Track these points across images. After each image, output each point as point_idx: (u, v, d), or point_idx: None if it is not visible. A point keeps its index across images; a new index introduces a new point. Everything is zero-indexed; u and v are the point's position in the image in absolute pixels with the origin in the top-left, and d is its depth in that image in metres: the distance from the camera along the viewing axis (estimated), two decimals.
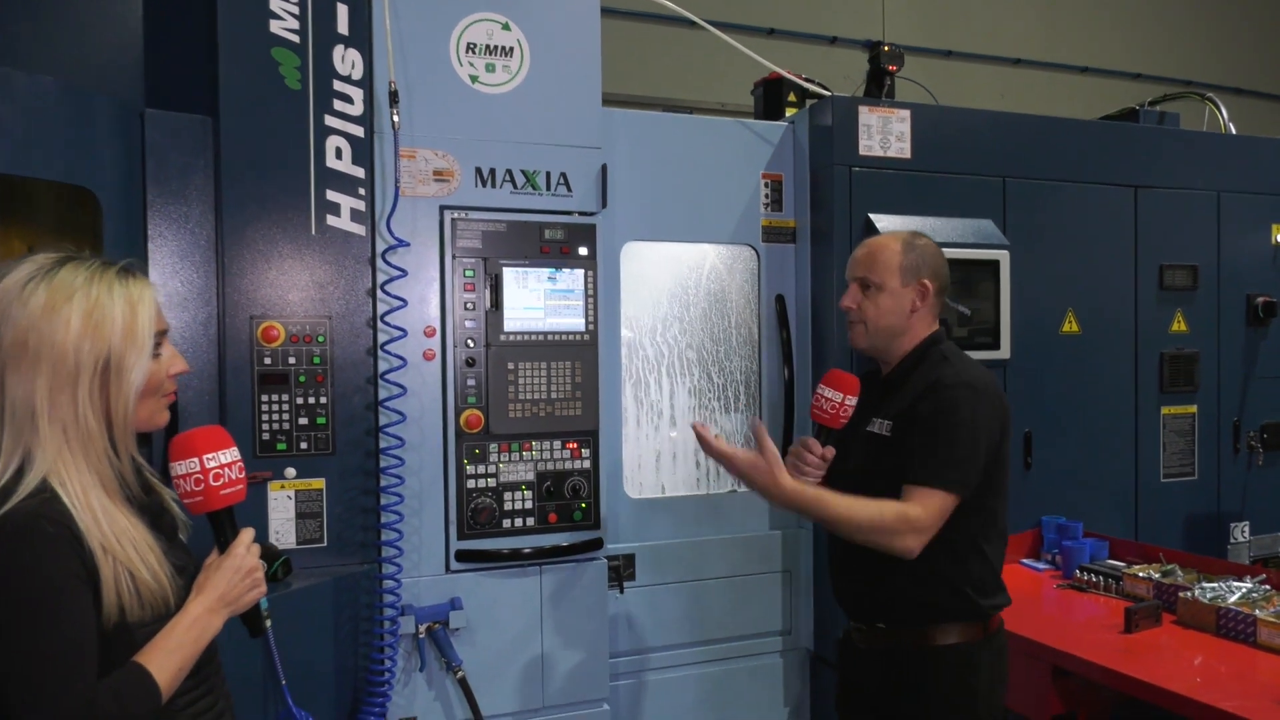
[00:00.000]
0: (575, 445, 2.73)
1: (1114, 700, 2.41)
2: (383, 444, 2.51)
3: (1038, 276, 3.28)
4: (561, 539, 2.70)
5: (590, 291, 2.75)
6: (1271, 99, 8.49)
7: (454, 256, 2.60)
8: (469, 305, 2.62)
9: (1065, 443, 3.32)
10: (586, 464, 2.74)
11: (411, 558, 2.56)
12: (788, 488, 1.89)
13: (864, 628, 2.10)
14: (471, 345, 2.62)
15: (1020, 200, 3.27)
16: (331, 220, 2.46)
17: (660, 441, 3.11)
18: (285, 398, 2.42)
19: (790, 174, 3.21)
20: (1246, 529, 3.63)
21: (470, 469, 2.62)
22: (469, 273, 2.62)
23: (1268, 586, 2.57)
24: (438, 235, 2.60)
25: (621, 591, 2.88)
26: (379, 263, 2.51)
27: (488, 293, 2.64)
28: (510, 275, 2.66)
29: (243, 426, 2.35)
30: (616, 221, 2.95)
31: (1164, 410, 3.51)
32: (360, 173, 2.48)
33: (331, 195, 2.46)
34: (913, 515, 1.86)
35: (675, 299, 3.13)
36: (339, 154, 2.46)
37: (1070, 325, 3.37)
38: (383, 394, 2.51)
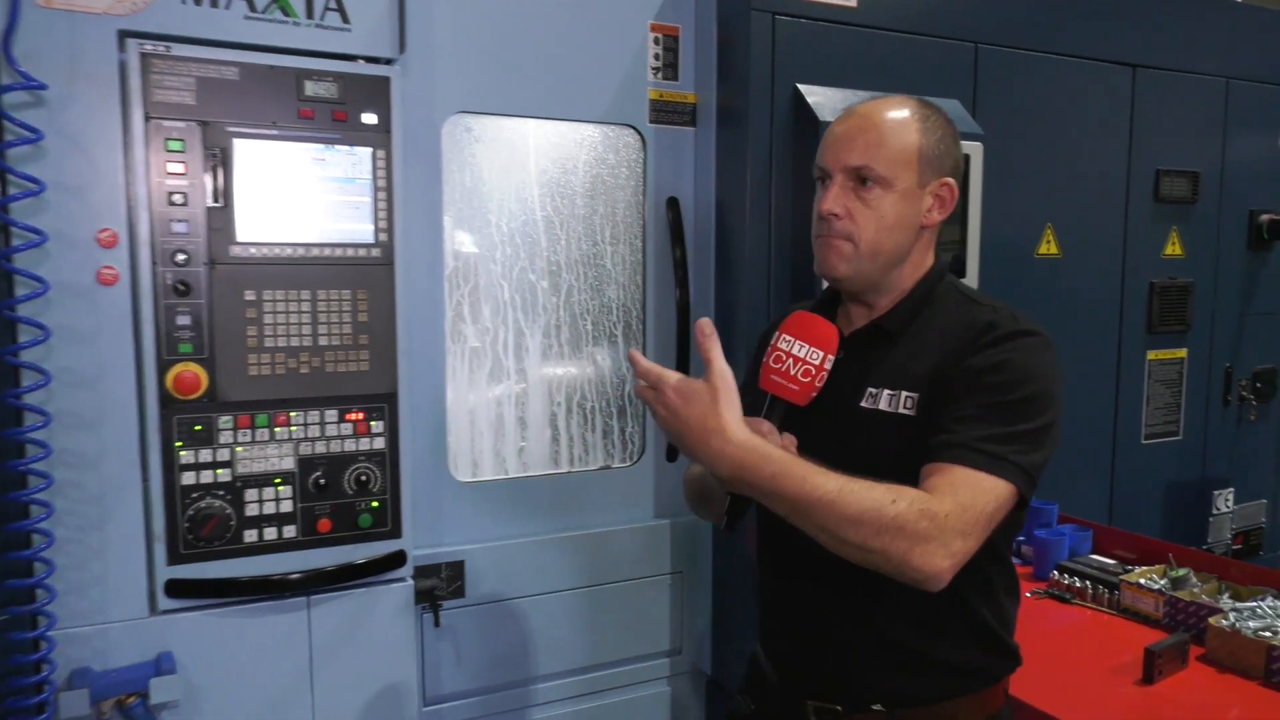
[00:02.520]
0: (361, 416, 1.81)
1: None
2: (26, 422, 1.54)
3: (1012, 180, 2.48)
4: (340, 555, 1.81)
5: (382, 183, 1.80)
6: None
7: (148, 117, 1.61)
8: (176, 197, 1.64)
9: None
10: (380, 443, 1.84)
11: (89, 596, 1.63)
12: (739, 438, 1.11)
13: (830, 710, 1.30)
14: (183, 262, 1.65)
15: (995, 76, 2.44)
16: None
17: (504, 401, 2.22)
18: None
19: (690, 27, 2.29)
20: (1231, 497, 3.00)
21: (186, 456, 1.68)
22: (174, 144, 1.63)
23: None
24: (116, 79, 1.59)
25: (437, 623, 2.01)
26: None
27: (209, 179, 1.66)
28: (248, 152, 1.69)
29: None
30: (436, 81, 1.99)
31: (1150, 355, 2.80)
32: None
33: None
34: (945, 511, 1.11)
35: (525, 200, 2.20)
36: None
37: (1048, 246, 2.59)
38: (25, 336, 1.54)
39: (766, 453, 1.12)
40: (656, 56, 2.26)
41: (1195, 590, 1.99)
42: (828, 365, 1.25)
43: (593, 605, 2.26)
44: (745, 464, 1.11)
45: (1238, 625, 1.82)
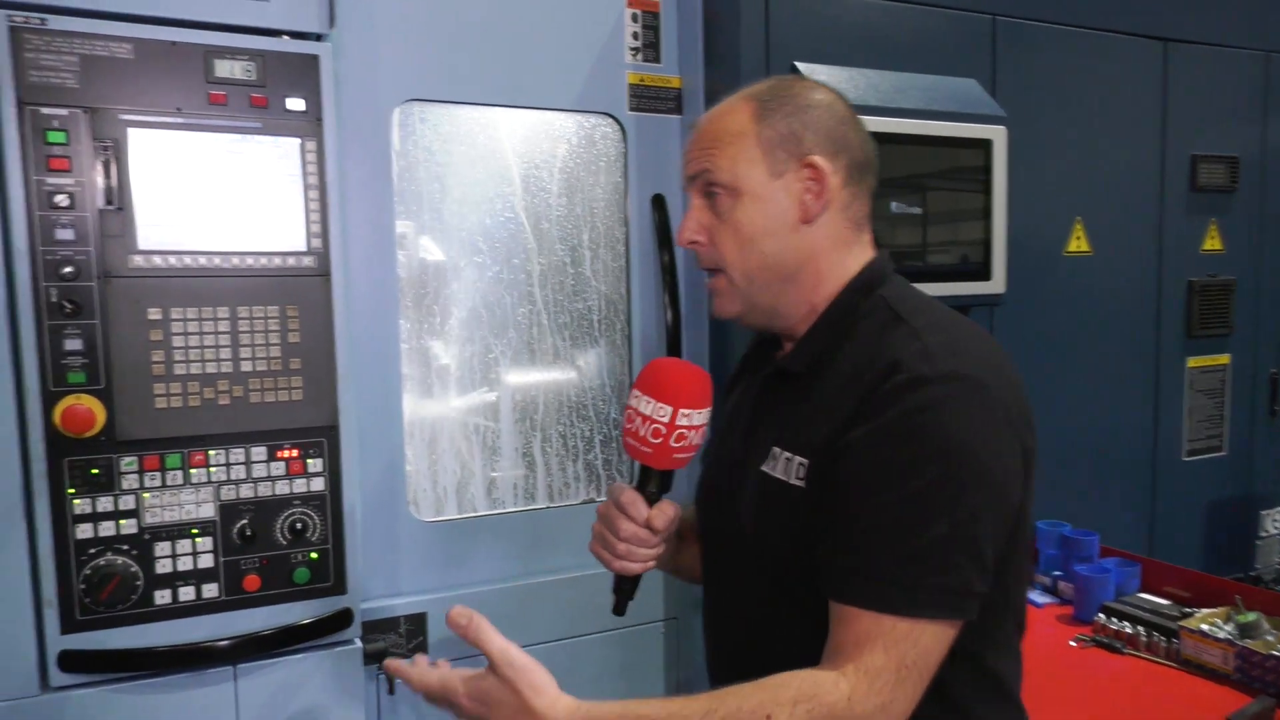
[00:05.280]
0: (295, 453, 1.55)
1: None
2: None
3: (1037, 168, 2.22)
4: (273, 616, 1.54)
5: (314, 180, 1.54)
6: None
7: (21, 103, 1.35)
8: (60, 199, 1.38)
9: (1067, 412, 2.30)
10: (318, 484, 1.57)
11: None
12: (562, 714, 0.94)
13: None
14: (70, 275, 1.38)
15: (1016, 52, 2.19)
16: None
17: (471, 429, 1.95)
18: None
19: (673, 1, 2.03)
20: None
21: (81, 505, 1.41)
22: (56, 136, 1.37)
23: None
24: None
25: (391, 689, 1.73)
26: None
27: (100, 177, 1.40)
28: (147, 144, 1.42)
29: None
30: (381, 64, 1.73)
31: (1190, 362, 2.54)
32: None
33: None
34: (844, 696, 0.90)
35: (492, 200, 1.94)
36: None
37: (1079, 242, 2.33)
38: None
39: (602, 716, 0.93)
40: (635, 35, 2.01)
41: (1270, 639, 1.72)
42: (687, 421, 1.04)
43: (576, 659, 1.98)
44: None
45: None
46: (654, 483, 1.08)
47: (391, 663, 1.05)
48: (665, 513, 1.08)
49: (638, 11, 2.00)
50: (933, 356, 0.95)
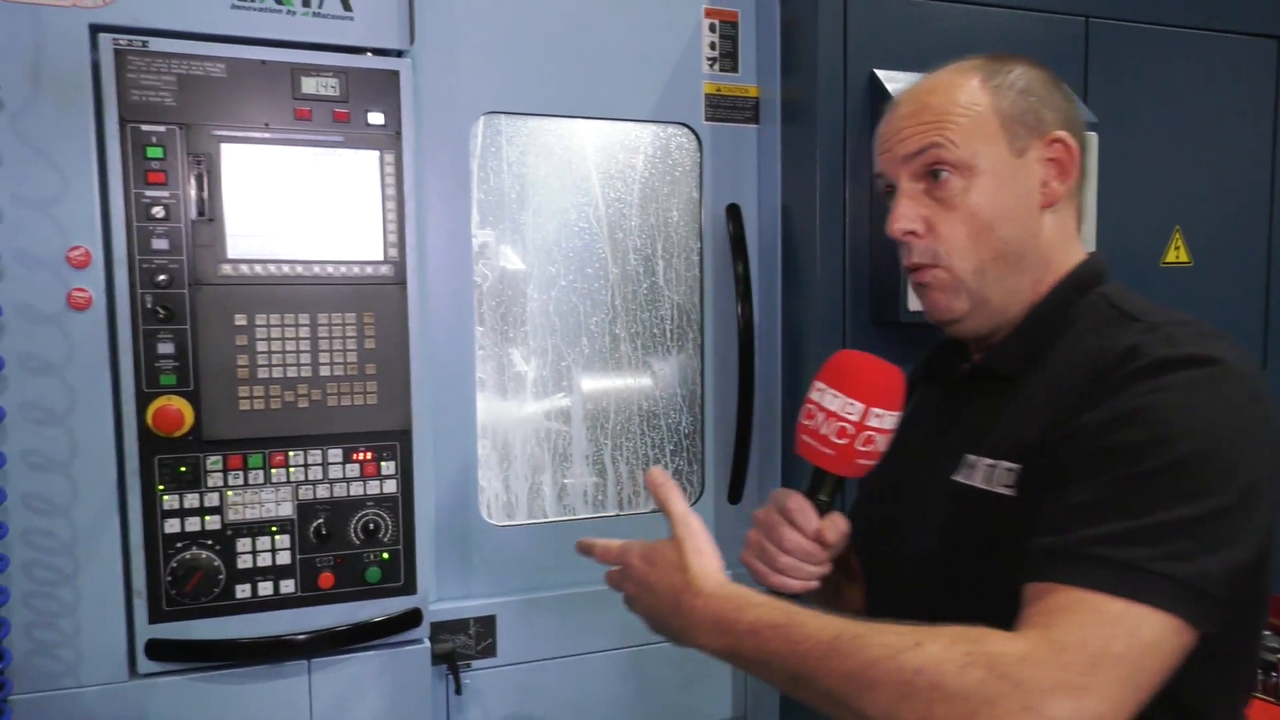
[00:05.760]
0: (369, 456, 1.60)
1: None
2: None
3: (1133, 176, 2.12)
4: (345, 613, 1.59)
5: (392, 191, 1.59)
6: None
7: (123, 120, 1.43)
8: (157, 211, 1.46)
9: None
10: (391, 486, 1.61)
11: (60, 657, 1.45)
12: (709, 586, 0.86)
13: None
14: (164, 283, 1.46)
15: (1109, 55, 2.10)
16: None
17: (543, 435, 1.98)
18: None
19: (751, 10, 2.02)
20: None
21: (170, 501, 1.49)
22: (154, 151, 1.45)
23: None
24: (89, 79, 1.42)
25: (459, 689, 1.76)
26: None
27: (192, 189, 1.47)
28: (237, 158, 1.49)
29: None
30: (460, 79, 1.77)
31: None
32: None
33: None
34: (1019, 654, 0.69)
35: (567, 210, 1.96)
36: None
37: (1177, 252, 2.22)
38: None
39: (746, 600, 0.84)
40: (713, 46, 2.00)
41: None
42: (878, 423, 0.92)
43: (644, 667, 1.98)
44: (721, 617, 0.84)
45: None
46: (827, 489, 0.96)
47: (584, 540, 1.05)
48: (838, 525, 0.95)
49: (716, 21, 2.00)
50: (1177, 341, 0.82)
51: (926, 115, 0.95)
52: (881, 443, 0.94)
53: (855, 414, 0.92)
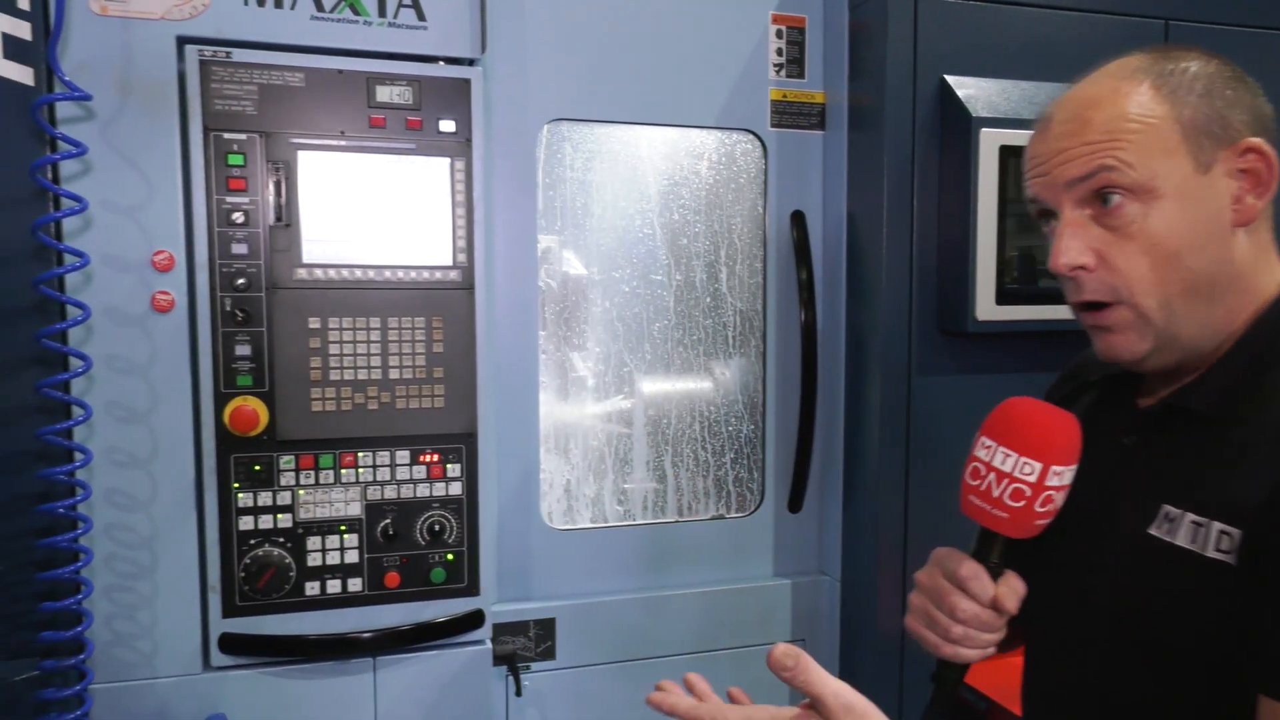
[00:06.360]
0: (435, 458, 1.62)
1: None
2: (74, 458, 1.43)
3: None
4: (409, 613, 1.62)
5: (461, 198, 1.61)
6: None
7: (207, 129, 1.48)
8: (237, 216, 1.50)
9: None
10: (456, 488, 1.64)
11: (138, 648, 1.50)
12: None
13: None
14: (243, 287, 1.50)
15: None
16: None
17: (604, 440, 1.99)
18: None
19: (818, 16, 2.01)
20: None
21: (244, 498, 1.53)
22: (235, 158, 1.49)
23: None
24: (175, 89, 1.47)
25: (519, 691, 1.78)
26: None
27: (271, 195, 1.51)
28: (314, 165, 1.53)
29: None
30: (528, 86, 1.79)
31: None
32: None
33: None
34: None
35: (630, 216, 1.97)
36: None
37: None
38: (74, 366, 1.42)
39: None
40: (779, 51, 1.99)
41: None
42: (1058, 480, 0.83)
43: (701, 674, 1.98)
44: None
45: None
46: (998, 552, 0.88)
47: (660, 698, 0.86)
48: (1016, 590, 0.86)
49: (783, 27, 1.99)
50: None
51: (1092, 133, 0.83)
52: (1060, 499, 0.85)
53: (1033, 474, 0.83)
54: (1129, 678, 0.85)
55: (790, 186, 2.01)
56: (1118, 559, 0.86)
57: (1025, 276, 1.85)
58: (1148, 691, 0.84)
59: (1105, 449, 0.91)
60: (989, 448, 0.85)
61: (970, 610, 0.86)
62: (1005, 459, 0.84)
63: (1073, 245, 0.84)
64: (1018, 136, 1.80)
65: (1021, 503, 0.83)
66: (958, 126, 1.80)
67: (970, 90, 1.83)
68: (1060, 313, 1.86)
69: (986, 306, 1.81)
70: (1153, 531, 0.83)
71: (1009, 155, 1.80)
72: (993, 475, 0.84)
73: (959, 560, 0.87)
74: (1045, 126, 0.89)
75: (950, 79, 1.84)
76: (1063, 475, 0.84)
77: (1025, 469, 0.83)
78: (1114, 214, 0.82)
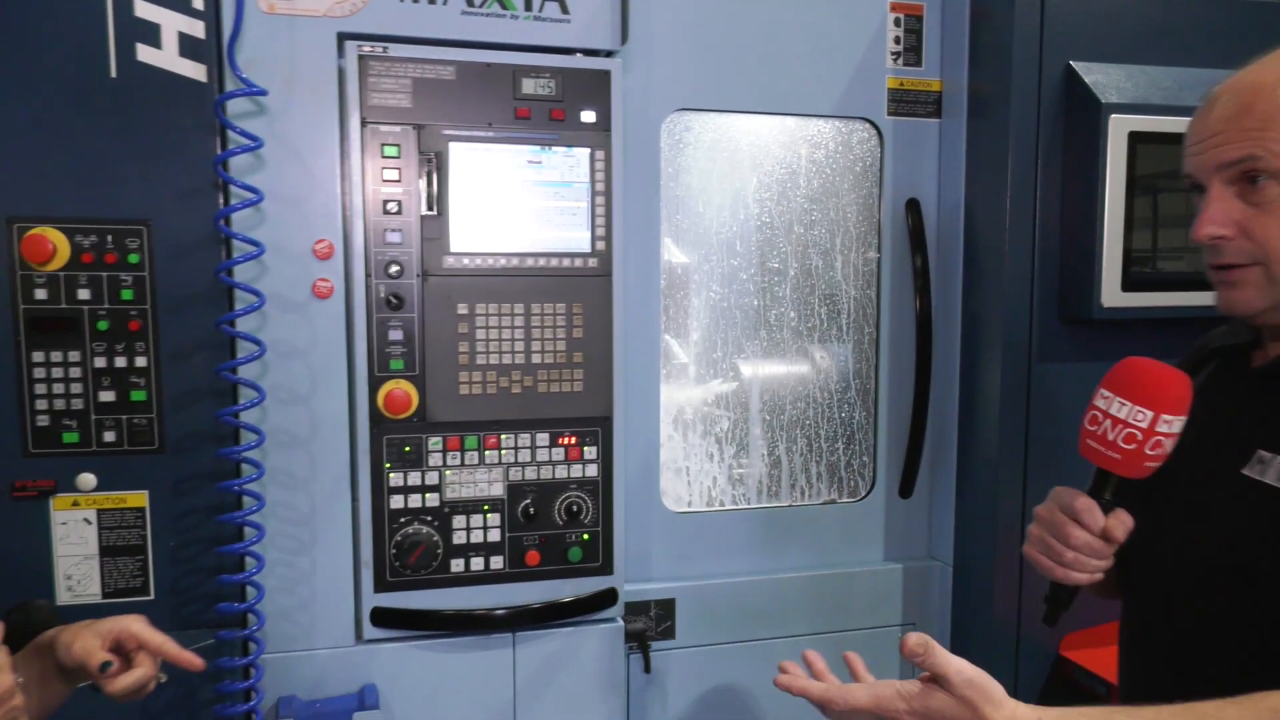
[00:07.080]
0: (574, 441, 1.67)
1: None
2: (243, 439, 1.49)
3: None
4: (548, 590, 1.67)
5: (600, 186, 1.65)
6: None
7: (364, 121, 1.53)
8: (391, 206, 1.55)
9: None
10: (592, 470, 1.68)
11: (297, 621, 1.57)
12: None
13: None
14: (396, 274, 1.56)
15: None
16: (145, 54, 1.42)
17: (719, 425, 2.02)
18: (75, 357, 1.42)
19: (937, 3, 2.01)
20: None
21: (395, 478, 1.59)
22: (390, 150, 1.54)
23: None
24: (335, 83, 1.52)
25: (648, 668, 1.83)
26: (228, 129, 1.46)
27: (423, 185, 1.56)
28: (463, 156, 1.58)
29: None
30: (655, 76, 1.82)
31: None
32: None
33: (144, 10, 1.41)
34: None
35: (746, 204, 1.99)
36: None
37: None
38: (242, 352, 1.49)
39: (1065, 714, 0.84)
40: (897, 40, 2.00)
41: None
42: (1167, 428, 0.96)
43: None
44: None
45: None
46: (1110, 489, 1.01)
47: (789, 680, 0.95)
48: (1125, 522, 0.99)
49: (900, 15, 1.99)
50: None
51: (1249, 119, 0.92)
52: (1169, 446, 0.97)
53: (1144, 421, 0.95)
54: (1219, 609, 0.95)
55: (905, 174, 2.02)
56: (1213, 497, 0.98)
57: (1153, 262, 1.85)
58: (1236, 620, 0.93)
59: (1219, 405, 1.03)
60: (1107, 398, 0.99)
61: (1082, 538, 0.99)
62: (1121, 407, 0.97)
63: (1214, 218, 0.95)
64: (1146, 122, 1.79)
65: (1133, 445, 0.96)
66: (1085, 114, 1.80)
67: (1097, 76, 1.82)
68: (1186, 299, 1.86)
69: (1112, 293, 1.80)
70: (1246, 472, 0.94)
71: (1137, 141, 1.79)
72: (1109, 421, 0.98)
73: (1074, 495, 1.00)
74: (1209, 108, 0.98)
75: (1077, 65, 1.83)
76: (1172, 424, 0.96)
77: (1138, 416, 0.96)
78: (1259, 192, 0.93)
